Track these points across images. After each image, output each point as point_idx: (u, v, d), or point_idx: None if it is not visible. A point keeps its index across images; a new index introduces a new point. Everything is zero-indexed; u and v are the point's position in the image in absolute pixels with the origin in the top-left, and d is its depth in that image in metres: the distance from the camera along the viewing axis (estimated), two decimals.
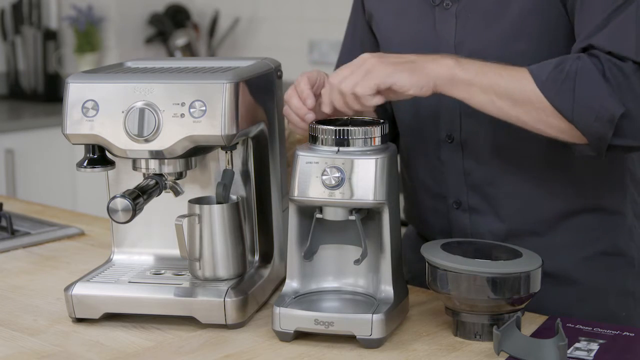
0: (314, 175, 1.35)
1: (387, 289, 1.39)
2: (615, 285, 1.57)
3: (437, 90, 1.38)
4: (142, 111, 1.38)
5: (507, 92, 1.37)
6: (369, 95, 1.36)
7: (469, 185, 1.56)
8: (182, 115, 1.38)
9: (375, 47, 1.68)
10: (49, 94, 4.43)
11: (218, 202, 1.47)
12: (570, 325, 1.40)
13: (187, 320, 1.43)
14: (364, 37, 1.71)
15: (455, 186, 1.57)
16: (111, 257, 1.58)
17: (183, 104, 1.38)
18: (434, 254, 1.37)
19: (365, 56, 1.39)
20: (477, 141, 1.53)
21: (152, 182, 1.45)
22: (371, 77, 1.36)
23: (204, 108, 1.37)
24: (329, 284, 1.45)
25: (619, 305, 1.57)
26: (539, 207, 1.53)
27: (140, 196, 1.41)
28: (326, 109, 1.41)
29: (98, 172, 1.47)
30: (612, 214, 1.55)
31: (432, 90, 1.38)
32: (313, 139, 1.39)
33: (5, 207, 2.07)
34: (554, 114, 1.36)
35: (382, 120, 1.39)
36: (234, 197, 1.49)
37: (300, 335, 1.37)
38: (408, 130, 1.62)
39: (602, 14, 1.38)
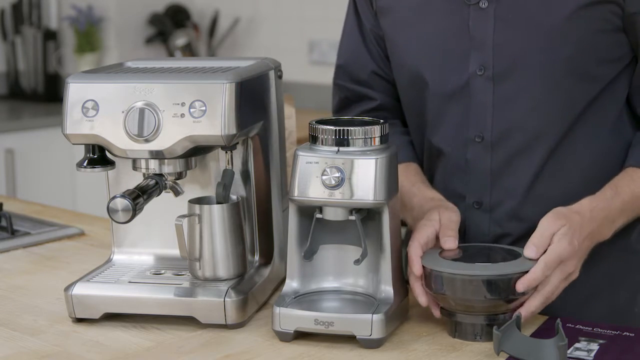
0: (314, 175, 1.35)
1: (387, 289, 1.39)
2: (628, 282, 1.57)
3: None
4: (142, 111, 1.38)
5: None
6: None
7: (493, 186, 1.55)
8: (182, 115, 1.38)
9: (382, 42, 1.67)
10: (49, 94, 4.43)
11: (218, 202, 1.47)
12: (570, 325, 1.40)
13: (187, 320, 1.43)
14: (370, 32, 1.68)
15: (479, 186, 1.56)
16: (111, 257, 1.58)
17: (183, 104, 1.38)
18: (430, 258, 1.38)
19: (567, 256, 1.38)
20: (508, 141, 1.52)
21: (152, 182, 1.45)
22: (566, 284, 1.40)
23: (204, 108, 1.37)
24: (329, 284, 1.45)
25: (631, 302, 1.57)
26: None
27: (140, 196, 1.41)
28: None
29: (98, 172, 1.47)
30: None
31: None
32: (313, 139, 1.38)
33: (5, 207, 2.07)
34: None
35: (382, 120, 1.39)
36: (234, 197, 1.49)
37: (300, 335, 1.37)
38: (435, 129, 1.60)
39: None
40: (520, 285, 1.33)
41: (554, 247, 1.36)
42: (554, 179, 1.53)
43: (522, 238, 1.52)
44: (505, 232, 1.56)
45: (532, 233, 1.51)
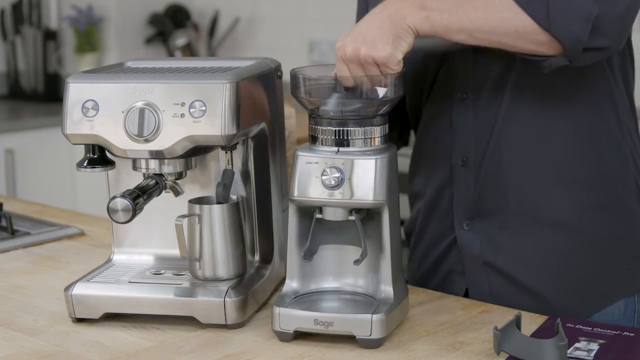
0: (313, 176, 1.35)
1: (386, 289, 1.39)
2: (617, 237, 1.58)
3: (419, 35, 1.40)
4: (142, 111, 1.38)
5: (488, 25, 1.38)
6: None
7: (477, 143, 1.57)
8: (182, 115, 1.38)
9: None
10: (49, 94, 4.44)
11: (218, 202, 1.47)
12: (570, 325, 1.40)
13: (187, 320, 1.43)
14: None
15: (463, 144, 1.58)
16: (111, 257, 1.58)
17: (183, 104, 1.38)
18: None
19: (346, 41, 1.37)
20: (488, 99, 1.55)
21: (152, 182, 1.45)
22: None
23: (204, 108, 1.37)
24: (329, 284, 1.45)
25: (620, 257, 1.58)
26: (544, 165, 1.54)
27: (140, 196, 1.41)
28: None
29: (98, 172, 1.47)
30: (618, 174, 1.57)
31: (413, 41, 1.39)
32: (313, 139, 1.39)
33: (5, 207, 2.07)
34: (534, 29, 1.38)
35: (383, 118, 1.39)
36: (234, 197, 1.49)
37: (300, 335, 1.37)
38: (424, 91, 1.64)
39: None
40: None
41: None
42: (535, 135, 1.54)
43: (508, 194, 1.55)
44: (489, 188, 1.57)
45: (515, 188, 1.55)
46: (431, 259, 1.66)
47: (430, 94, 1.63)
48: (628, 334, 1.37)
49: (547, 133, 1.54)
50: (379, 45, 1.36)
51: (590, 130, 1.54)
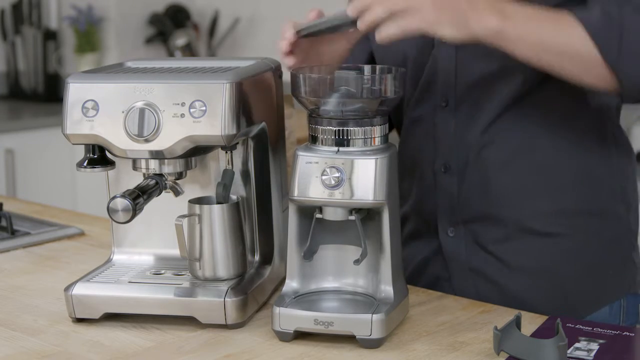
0: (313, 175, 1.35)
1: (387, 289, 1.39)
2: (604, 243, 1.57)
3: (480, 42, 1.37)
4: (142, 111, 1.38)
5: (555, 46, 1.37)
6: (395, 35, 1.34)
7: (459, 150, 1.56)
8: (182, 115, 1.38)
9: None
10: (49, 94, 4.44)
11: (218, 202, 1.47)
12: (570, 325, 1.40)
13: (187, 320, 1.43)
14: None
15: (445, 151, 1.57)
16: (111, 257, 1.58)
17: (183, 104, 1.38)
18: None
19: None
20: (470, 106, 1.55)
21: (152, 182, 1.45)
22: (414, 19, 1.33)
23: (204, 108, 1.37)
24: (329, 284, 1.45)
25: (606, 263, 1.58)
26: (528, 172, 1.54)
27: (140, 196, 1.41)
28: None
29: (98, 172, 1.47)
30: (603, 180, 1.57)
31: (472, 42, 1.36)
32: (313, 139, 1.39)
33: (5, 207, 2.07)
34: (598, 62, 1.36)
35: (382, 118, 1.39)
36: (234, 197, 1.49)
37: (300, 335, 1.37)
38: (413, 99, 1.64)
39: None
40: (350, 8, 1.37)
41: None
42: (517, 141, 1.54)
43: (491, 200, 1.55)
44: (471, 195, 1.56)
45: (498, 195, 1.54)
46: (417, 264, 1.66)
47: (413, 97, 1.62)
48: (628, 334, 1.37)
49: (531, 141, 1.53)
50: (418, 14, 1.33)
51: (575, 136, 1.53)
